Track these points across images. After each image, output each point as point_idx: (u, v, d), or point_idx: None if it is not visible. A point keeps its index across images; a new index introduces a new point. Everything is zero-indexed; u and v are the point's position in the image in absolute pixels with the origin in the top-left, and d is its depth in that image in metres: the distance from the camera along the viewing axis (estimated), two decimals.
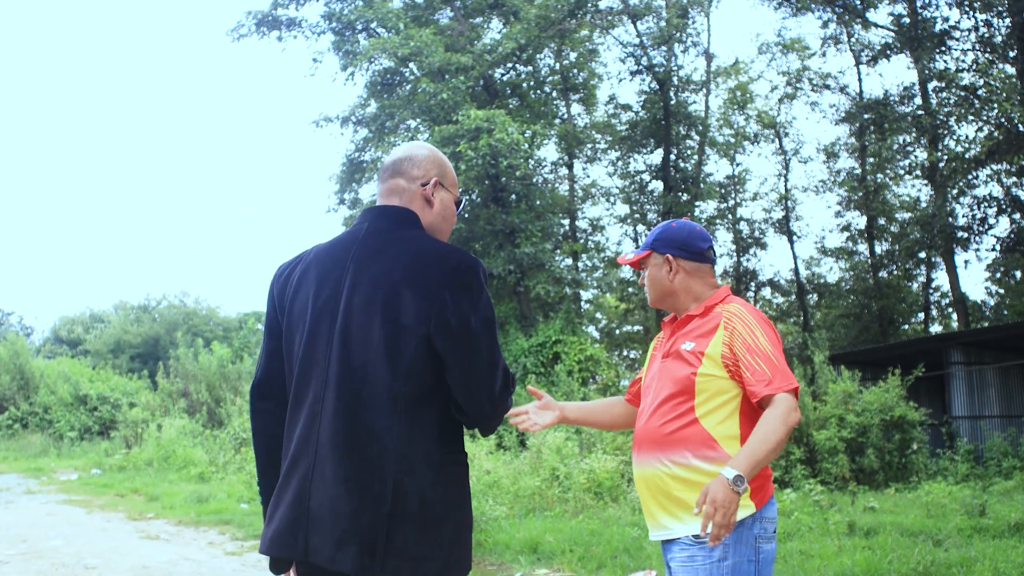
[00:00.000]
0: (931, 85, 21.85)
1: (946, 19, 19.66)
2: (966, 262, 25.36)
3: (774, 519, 2.53)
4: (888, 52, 22.22)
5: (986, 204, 22.32)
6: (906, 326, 27.67)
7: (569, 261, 24.68)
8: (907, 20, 21.39)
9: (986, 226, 22.17)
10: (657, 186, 26.49)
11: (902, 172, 25.73)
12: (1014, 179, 21.91)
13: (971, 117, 20.47)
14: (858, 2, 22.72)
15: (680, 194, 24.58)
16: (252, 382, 2.36)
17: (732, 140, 28.35)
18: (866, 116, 24.01)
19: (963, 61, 20.94)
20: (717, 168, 28.66)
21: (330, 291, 2.18)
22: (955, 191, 22.22)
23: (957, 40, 20.53)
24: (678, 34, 23.33)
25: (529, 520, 8.74)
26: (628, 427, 3.00)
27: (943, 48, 20.66)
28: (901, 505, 9.45)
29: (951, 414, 16.33)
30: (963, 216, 22.82)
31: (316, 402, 2.13)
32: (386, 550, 2.05)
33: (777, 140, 29.07)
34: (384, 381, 2.09)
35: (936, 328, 27.26)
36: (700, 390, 2.56)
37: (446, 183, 2.38)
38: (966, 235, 22.67)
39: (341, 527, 2.06)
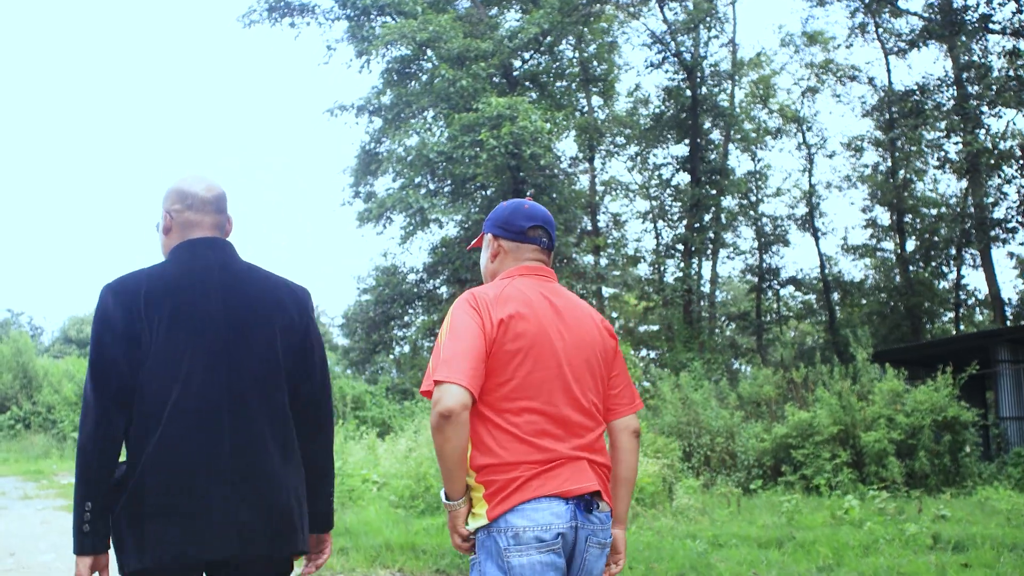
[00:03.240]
0: (965, 75, 20.95)
1: (989, 2, 18.73)
2: (1011, 254, 24.42)
3: (531, 527, 2.24)
4: (921, 41, 21.30)
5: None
6: (929, 324, 26.72)
7: (591, 258, 23.86)
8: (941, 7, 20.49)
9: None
10: (682, 179, 25.64)
11: (934, 165, 24.82)
12: None
13: (1012, 106, 19.56)
14: None
15: (707, 187, 23.71)
16: (108, 390, 2.28)
17: (754, 135, 27.39)
18: (895, 108, 23.13)
19: (1001, 45, 20.07)
20: (739, 163, 27.69)
21: (214, 310, 2.38)
22: (991, 184, 21.35)
23: (994, 27, 19.62)
24: (707, 19, 22.47)
25: None
26: None
27: (979, 36, 19.79)
28: (975, 514, 8.62)
29: (999, 415, 15.47)
30: (999, 210, 21.97)
31: (215, 412, 2.30)
32: (302, 527, 2.42)
33: (800, 134, 28.13)
34: (282, 384, 2.43)
35: (963, 327, 26.34)
36: None
37: None
38: (1000, 231, 21.82)
39: (283, 513, 2.35)
